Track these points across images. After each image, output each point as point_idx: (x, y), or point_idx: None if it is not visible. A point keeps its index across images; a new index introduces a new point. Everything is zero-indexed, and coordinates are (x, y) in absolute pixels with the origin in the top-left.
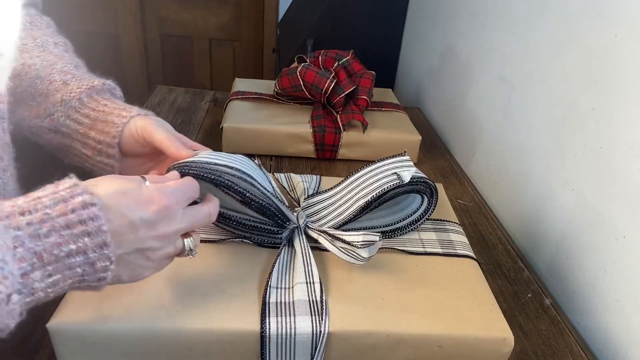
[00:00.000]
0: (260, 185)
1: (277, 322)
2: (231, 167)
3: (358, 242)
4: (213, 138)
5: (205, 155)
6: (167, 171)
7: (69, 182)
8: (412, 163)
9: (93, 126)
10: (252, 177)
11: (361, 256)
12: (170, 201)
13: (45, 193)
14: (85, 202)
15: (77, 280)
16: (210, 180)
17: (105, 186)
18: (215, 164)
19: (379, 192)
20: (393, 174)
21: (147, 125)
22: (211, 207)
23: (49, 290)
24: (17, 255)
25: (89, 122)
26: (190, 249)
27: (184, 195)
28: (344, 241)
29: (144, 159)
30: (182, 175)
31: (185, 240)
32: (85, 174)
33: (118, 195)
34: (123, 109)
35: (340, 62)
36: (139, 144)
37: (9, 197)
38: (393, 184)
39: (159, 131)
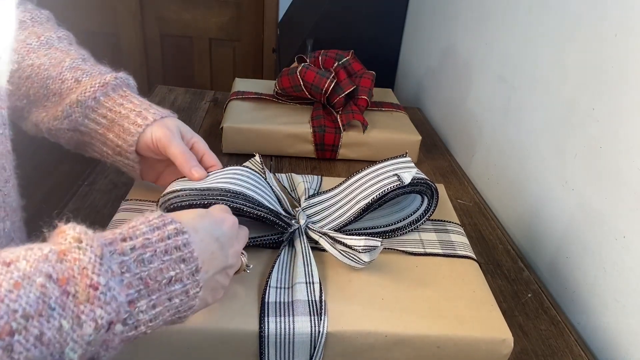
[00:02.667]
0: (256, 200)
1: (275, 322)
2: (222, 189)
3: (360, 246)
4: (213, 138)
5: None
6: (158, 200)
7: (156, 214)
8: (413, 164)
9: (111, 128)
10: (245, 195)
11: (362, 260)
12: (234, 218)
13: (138, 222)
14: (177, 230)
15: (173, 313)
16: (204, 205)
17: (183, 215)
18: (208, 189)
19: (379, 194)
20: (394, 175)
21: (163, 137)
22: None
23: (150, 324)
24: (125, 281)
25: (106, 122)
26: (247, 265)
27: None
28: (345, 245)
29: (161, 158)
30: (175, 208)
31: (241, 257)
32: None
33: (199, 219)
34: (139, 113)
35: (340, 62)
36: (154, 153)
37: (10, 210)
38: (394, 186)
39: (173, 145)
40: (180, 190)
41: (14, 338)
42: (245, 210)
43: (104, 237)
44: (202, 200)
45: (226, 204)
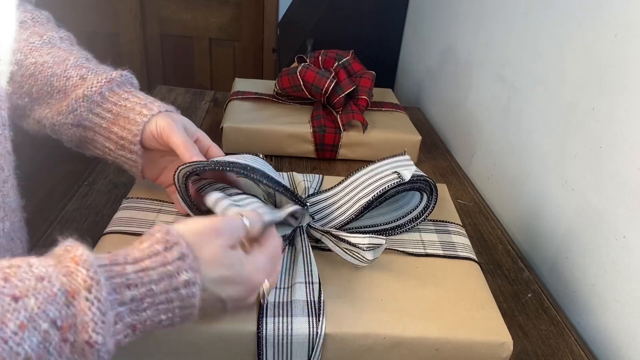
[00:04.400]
0: (273, 179)
1: (274, 322)
2: (241, 163)
3: (364, 244)
4: (213, 138)
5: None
6: (175, 174)
7: (177, 251)
8: (412, 162)
9: (115, 121)
10: (262, 171)
11: (365, 258)
12: (263, 278)
13: (153, 263)
14: (188, 282)
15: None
16: (229, 169)
17: (209, 258)
18: (227, 161)
19: (379, 192)
20: (393, 172)
21: (167, 126)
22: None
23: (126, 341)
24: (116, 331)
25: (111, 116)
26: (264, 296)
27: (276, 266)
28: (349, 243)
29: (165, 152)
30: (197, 173)
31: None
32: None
33: (219, 277)
34: (144, 105)
35: (340, 62)
36: (158, 143)
37: (9, 210)
38: (393, 183)
39: (176, 135)
40: (201, 161)
41: None
42: (265, 182)
43: (113, 279)
44: (226, 166)
45: (240, 170)
